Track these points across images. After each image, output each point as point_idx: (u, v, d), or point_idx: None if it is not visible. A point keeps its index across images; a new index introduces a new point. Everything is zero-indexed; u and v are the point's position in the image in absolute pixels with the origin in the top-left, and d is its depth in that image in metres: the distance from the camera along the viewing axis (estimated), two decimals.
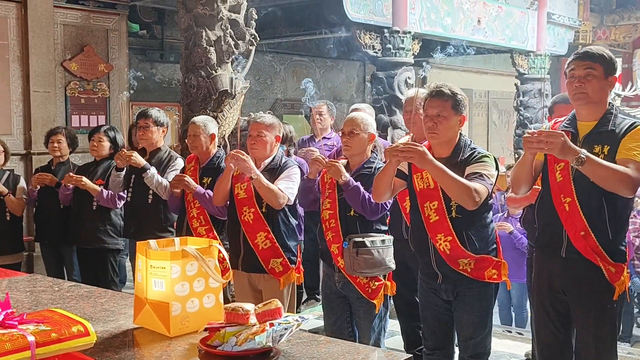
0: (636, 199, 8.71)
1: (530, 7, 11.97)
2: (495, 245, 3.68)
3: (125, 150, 5.19)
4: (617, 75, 3.36)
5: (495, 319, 5.57)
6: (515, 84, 12.73)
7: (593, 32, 14.63)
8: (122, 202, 5.52)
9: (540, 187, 3.50)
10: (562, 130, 3.28)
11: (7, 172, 5.99)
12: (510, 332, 6.27)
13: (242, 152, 4.27)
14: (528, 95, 12.34)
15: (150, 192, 5.20)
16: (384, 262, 4.01)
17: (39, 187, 5.90)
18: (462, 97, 3.60)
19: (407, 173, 3.73)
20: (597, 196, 3.17)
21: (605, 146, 3.18)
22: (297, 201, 4.48)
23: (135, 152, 5.19)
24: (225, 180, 4.44)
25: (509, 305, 6.84)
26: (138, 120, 5.41)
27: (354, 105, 5.96)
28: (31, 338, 1.80)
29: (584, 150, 3.04)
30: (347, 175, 4.00)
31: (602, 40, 15.00)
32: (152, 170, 5.11)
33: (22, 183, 5.97)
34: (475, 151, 3.57)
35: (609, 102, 3.32)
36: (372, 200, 3.95)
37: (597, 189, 3.13)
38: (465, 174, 3.48)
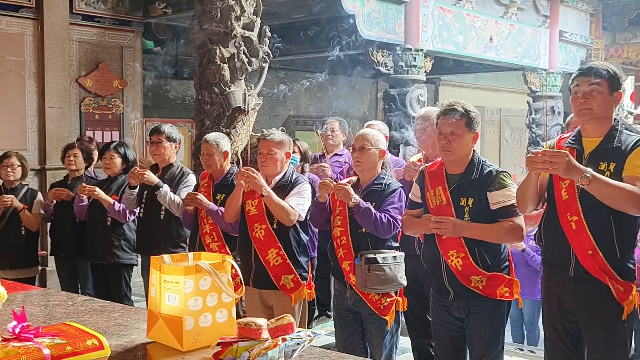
0: None
1: (542, 25, 11.99)
2: (507, 263, 3.68)
3: (138, 169, 5.23)
4: (622, 90, 3.34)
5: (507, 337, 5.55)
6: (528, 102, 12.72)
7: (605, 50, 14.62)
8: (133, 217, 5.56)
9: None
10: (567, 147, 3.28)
11: (25, 187, 6.05)
12: (522, 349, 6.23)
13: (252, 169, 4.29)
14: (540, 113, 12.32)
15: (163, 208, 5.24)
16: (395, 278, 4.01)
17: (55, 201, 5.95)
18: (475, 115, 3.62)
19: (420, 201, 3.75)
20: (605, 214, 3.15)
21: (612, 163, 3.16)
22: (311, 224, 4.49)
23: (148, 170, 5.23)
24: (236, 197, 4.46)
25: (521, 322, 6.80)
26: (151, 136, 5.45)
27: (368, 122, 5.99)
28: (47, 351, 1.82)
29: (589, 169, 3.02)
30: (356, 198, 4.00)
31: (614, 58, 14.99)
32: (165, 188, 5.15)
33: (40, 197, 6.02)
34: (490, 170, 3.58)
35: (614, 119, 3.30)
36: (383, 220, 3.96)
37: (604, 206, 3.11)
38: (492, 202, 3.52)
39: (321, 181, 4.22)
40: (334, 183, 4.10)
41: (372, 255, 3.98)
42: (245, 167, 4.35)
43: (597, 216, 3.17)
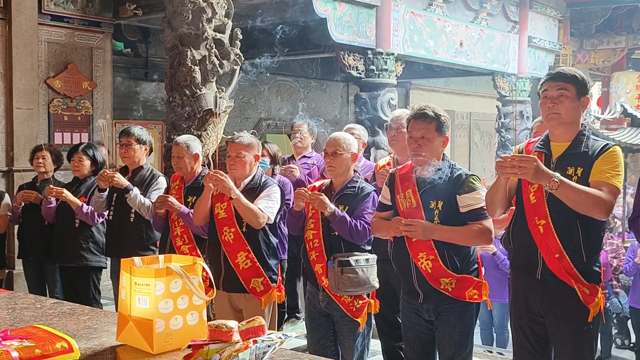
0: (616, 220, 8.81)
1: (511, 31, 12.13)
2: (476, 266, 3.72)
3: (107, 171, 5.19)
4: (589, 96, 3.38)
5: (477, 339, 5.61)
6: (497, 106, 12.85)
7: (573, 55, 14.83)
8: (101, 219, 5.51)
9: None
10: (535, 151, 3.32)
11: None
12: (491, 352, 6.30)
13: (221, 172, 4.27)
14: (509, 117, 12.46)
15: (132, 210, 5.20)
16: (368, 280, 4.03)
17: (23, 204, 5.87)
18: (445, 119, 3.65)
19: (390, 204, 3.77)
20: (572, 218, 3.19)
21: (579, 168, 3.21)
22: (279, 222, 4.48)
23: (118, 172, 5.19)
24: (205, 200, 4.43)
25: (490, 325, 6.87)
26: (121, 138, 5.41)
27: (348, 125, 6.02)
28: (15, 354, 1.80)
29: (557, 174, 3.06)
30: (332, 207, 4.01)
31: (581, 63, 15.21)
32: (135, 191, 5.11)
33: (7, 199, 5.94)
34: (460, 173, 3.61)
35: (582, 124, 3.35)
36: (359, 227, 3.98)
37: (571, 211, 3.15)
38: (462, 205, 3.55)
39: (296, 190, 4.21)
40: (309, 192, 4.10)
41: (344, 258, 3.99)
42: (213, 170, 4.34)
43: (564, 220, 3.22)
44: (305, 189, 4.21)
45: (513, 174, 3.14)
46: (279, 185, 4.54)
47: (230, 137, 4.69)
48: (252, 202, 4.27)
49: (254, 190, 4.37)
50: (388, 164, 4.67)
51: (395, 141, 4.60)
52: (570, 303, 3.27)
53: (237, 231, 4.32)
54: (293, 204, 4.25)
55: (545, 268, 3.28)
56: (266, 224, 4.31)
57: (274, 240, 4.42)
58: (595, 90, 15.95)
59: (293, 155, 6.52)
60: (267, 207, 4.29)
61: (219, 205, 4.40)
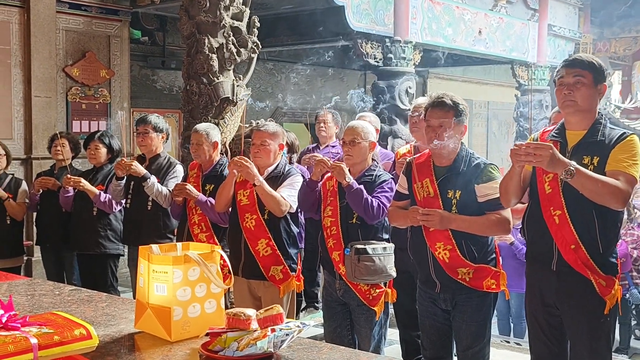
0: (636, 210, 8.73)
1: (531, 19, 12.03)
2: (494, 255, 3.69)
3: (125, 159, 5.20)
4: (607, 83, 3.32)
5: (494, 329, 5.58)
6: (515, 95, 12.76)
7: (593, 44, 14.69)
8: (119, 207, 5.53)
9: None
10: (550, 140, 3.25)
11: (10, 176, 5.99)
12: (508, 342, 6.26)
13: (246, 158, 4.28)
14: (528, 107, 12.38)
15: (150, 199, 5.21)
16: (385, 269, 4.01)
17: (41, 191, 5.90)
18: (463, 107, 3.61)
19: (407, 193, 3.75)
20: (588, 208, 3.13)
21: (595, 157, 3.14)
22: (298, 205, 4.49)
23: (135, 161, 5.20)
24: (228, 187, 4.45)
25: (507, 315, 6.83)
26: (137, 127, 5.42)
27: (360, 113, 6.00)
28: (34, 340, 1.81)
29: (573, 163, 3.00)
30: (350, 177, 4.00)
31: (602, 52, 15.05)
32: (153, 179, 5.12)
33: (24, 186, 5.96)
34: (478, 162, 3.59)
35: (598, 112, 3.27)
36: (373, 204, 3.96)
37: (587, 201, 3.09)
38: (480, 195, 3.52)
39: (318, 159, 4.21)
40: (331, 162, 4.10)
41: (361, 246, 3.97)
42: (238, 157, 4.34)
43: (580, 210, 3.15)
44: (328, 159, 4.20)
45: (528, 161, 3.07)
46: (302, 175, 4.53)
47: (248, 125, 4.69)
48: (275, 190, 4.28)
49: (277, 179, 4.38)
50: (409, 152, 4.65)
51: (417, 129, 4.58)
52: (586, 295, 3.21)
53: (259, 218, 4.32)
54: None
55: (561, 259, 3.22)
56: (288, 212, 4.32)
57: (294, 229, 4.42)
58: (616, 79, 15.80)
59: (318, 144, 6.52)
60: (290, 195, 4.30)
61: (241, 192, 4.40)
